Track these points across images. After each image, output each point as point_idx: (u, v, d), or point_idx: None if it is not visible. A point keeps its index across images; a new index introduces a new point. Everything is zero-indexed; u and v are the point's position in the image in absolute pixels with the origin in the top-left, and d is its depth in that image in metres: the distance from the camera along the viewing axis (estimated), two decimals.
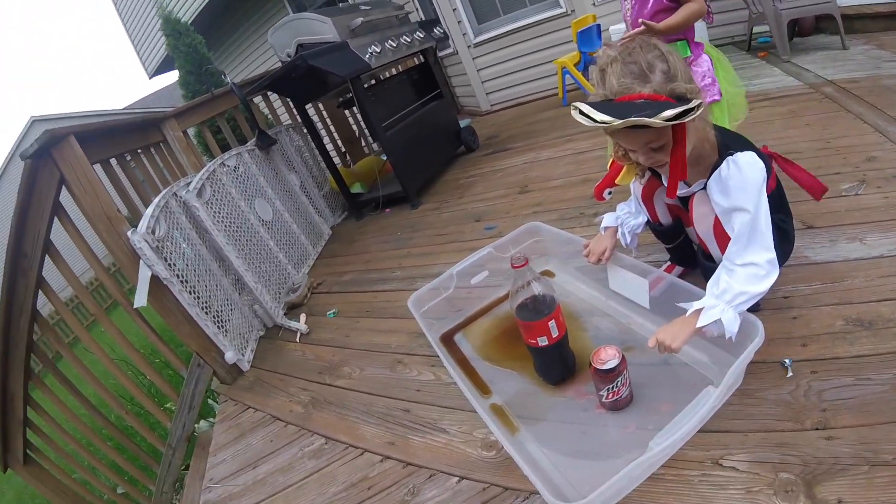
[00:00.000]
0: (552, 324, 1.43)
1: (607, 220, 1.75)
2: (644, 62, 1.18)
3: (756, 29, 4.96)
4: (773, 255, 1.26)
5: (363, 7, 4.02)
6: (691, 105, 1.08)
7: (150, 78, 11.55)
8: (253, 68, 9.59)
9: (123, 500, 2.84)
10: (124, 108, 22.55)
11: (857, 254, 1.67)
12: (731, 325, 1.23)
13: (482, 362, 1.79)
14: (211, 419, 2.91)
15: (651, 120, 1.08)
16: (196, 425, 2.73)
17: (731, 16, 5.41)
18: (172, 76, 6.06)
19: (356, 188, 4.38)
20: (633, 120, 1.10)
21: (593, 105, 1.18)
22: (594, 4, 5.38)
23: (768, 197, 1.48)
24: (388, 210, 4.11)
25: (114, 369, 2.66)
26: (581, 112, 1.18)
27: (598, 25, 4.92)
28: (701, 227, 1.44)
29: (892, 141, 2.34)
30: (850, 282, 1.56)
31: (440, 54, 6.66)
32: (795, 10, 4.38)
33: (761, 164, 1.26)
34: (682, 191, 1.46)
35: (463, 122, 4.94)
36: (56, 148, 2.24)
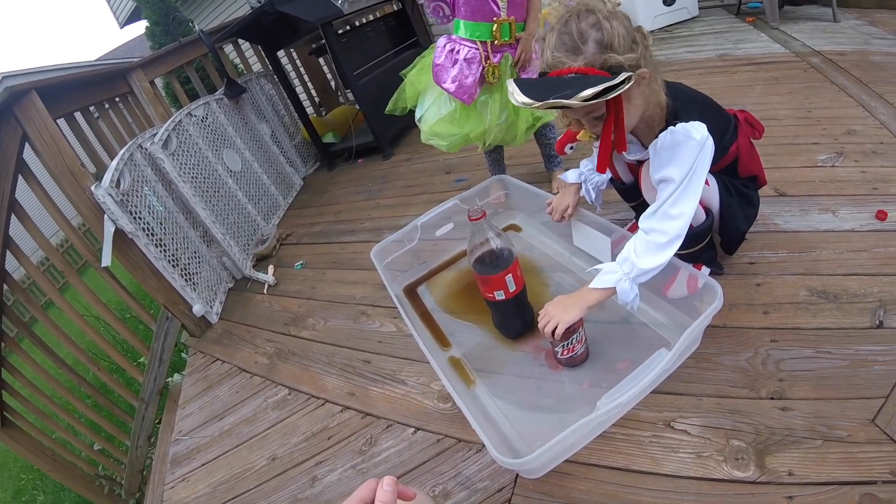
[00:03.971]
0: (509, 278, 1.42)
1: (570, 176, 1.73)
2: (576, 32, 1.12)
3: None
4: (681, 228, 1.22)
5: None
6: (614, 81, 1.03)
7: (121, 27, 11.16)
8: (225, 15, 9.28)
9: (101, 457, 2.84)
10: (96, 60, 21.90)
11: (828, 225, 1.66)
12: (625, 295, 1.23)
13: (444, 315, 1.79)
14: (183, 372, 2.92)
15: (569, 101, 1.04)
16: (169, 378, 2.73)
17: None
18: (144, 26, 5.86)
19: (328, 138, 4.30)
20: (551, 102, 1.06)
21: (519, 83, 1.14)
22: None
23: (735, 161, 1.47)
24: (360, 160, 4.06)
25: (87, 328, 2.62)
26: (510, 91, 1.14)
27: None
28: (649, 195, 1.42)
29: (875, 116, 2.33)
30: (819, 253, 1.56)
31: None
32: None
33: (701, 136, 1.21)
34: (640, 154, 1.43)
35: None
36: (18, 105, 2.17)
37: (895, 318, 1.28)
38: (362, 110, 3.76)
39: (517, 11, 1.99)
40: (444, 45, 2.04)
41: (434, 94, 2.10)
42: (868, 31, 3.79)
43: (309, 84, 5.11)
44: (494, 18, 1.95)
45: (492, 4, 1.93)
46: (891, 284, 1.38)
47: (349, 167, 4.07)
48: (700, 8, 5.21)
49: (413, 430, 1.48)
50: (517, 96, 1.11)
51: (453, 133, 2.06)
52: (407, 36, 4.51)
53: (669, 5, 4.96)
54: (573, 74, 1.11)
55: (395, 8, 4.64)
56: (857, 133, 2.19)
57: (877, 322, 1.28)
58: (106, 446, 2.82)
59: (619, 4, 1.20)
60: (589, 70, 1.10)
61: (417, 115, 2.18)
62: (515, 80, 1.16)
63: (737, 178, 1.51)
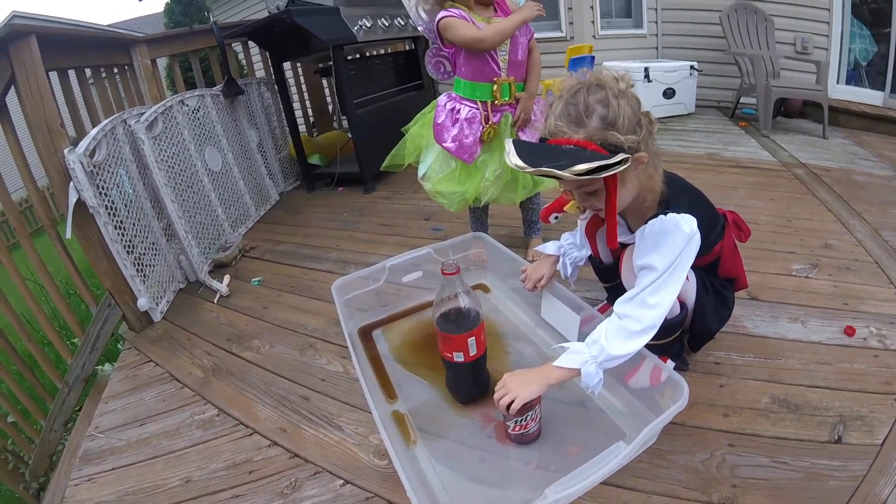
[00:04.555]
0: (472, 340, 1.36)
1: (549, 248, 1.71)
2: (583, 105, 1.12)
3: (743, 99, 5.07)
4: (657, 318, 1.19)
5: None
6: (610, 161, 1.03)
7: (140, 0, 11.13)
8: (244, 12, 9.33)
9: (12, 430, 2.67)
10: (108, 25, 21.88)
11: (796, 335, 1.68)
12: (589, 379, 1.19)
13: (396, 364, 1.71)
14: (114, 363, 2.77)
15: (561, 173, 1.03)
16: (100, 367, 2.58)
17: (721, 80, 5.55)
18: (160, 4, 5.85)
19: (314, 159, 4.25)
20: (544, 170, 1.05)
21: (517, 145, 1.13)
22: (593, 37, 5.40)
23: (717, 260, 1.46)
24: (341, 189, 4.01)
25: (27, 295, 2.48)
26: (506, 150, 1.13)
27: (593, 57, 4.91)
28: (627, 280, 1.40)
29: (852, 233, 2.39)
30: (784, 361, 1.56)
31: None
32: (786, 91, 4.51)
33: (690, 229, 1.20)
34: (625, 237, 1.40)
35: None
36: (14, 44, 2.10)
37: (854, 435, 1.28)
38: (354, 139, 3.73)
39: (517, 72, 2.01)
40: (445, 104, 2.05)
41: (436, 151, 2.10)
42: (854, 150, 3.95)
43: (307, 101, 5.08)
44: (495, 79, 1.97)
45: (492, 65, 1.95)
46: (852, 400, 1.38)
47: (329, 193, 4.02)
48: (697, 106, 5.39)
49: (342, 482, 1.38)
50: (512, 157, 1.10)
51: (454, 191, 2.06)
52: (412, 78, 4.55)
53: (668, 98, 5.09)
54: (572, 146, 1.10)
55: (408, 48, 4.69)
56: (834, 248, 2.26)
57: (835, 437, 1.28)
58: (20, 421, 2.65)
59: (632, 85, 1.19)
60: (588, 144, 1.09)
61: (420, 173, 2.18)
62: (514, 141, 1.14)
63: (716, 278, 1.50)
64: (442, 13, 1.91)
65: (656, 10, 5.77)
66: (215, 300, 2.57)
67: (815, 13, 5.13)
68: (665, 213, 1.22)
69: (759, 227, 2.47)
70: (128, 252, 2.40)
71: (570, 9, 5.30)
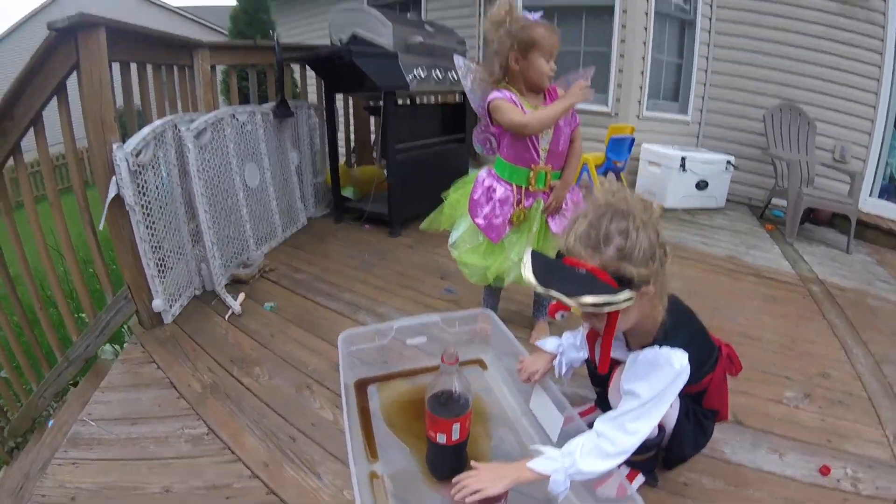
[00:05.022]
0: (456, 426, 1.43)
1: (549, 344, 1.76)
2: (604, 232, 1.19)
3: (774, 200, 5.12)
4: (632, 445, 1.25)
5: (428, 28, 4.08)
6: (615, 298, 1.11)
7: None
8: (305, 29, 9.60)
9: (2, 385, 2.75)
10: (176, 7, 22.65)
11: (772, 467, 1.69)
12: (556, 486, 1.24)
13: (383, 423, 1.77)
14: (117, 346, 2.86)
15: (568, 300, 1.11)
16: (101, 348, 2.69)
17: (756, 178, 5.63)
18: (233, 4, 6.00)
19: (348, 191, 4.36)
20: (552, 293, 1.13)
21: (534, 259, 1.22)
22: (637, 116, 5.51)
23: (703, 391, 1.52)
24: (367, 226, 4.09)
25: (44, 254, 2.58)
26: (524, 261, 1.23)
27: (633, 139, 5.03)
28: (613, 396, 1.46)
29: (853, 363, 2.41)
30: (754, 492, 1.58)
31: None
32: (817, 201, 4.53)
33: (680, 366, 1.26)
34: (620, 353, 1.47)
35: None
36: (83, 32, 2.19)
37: None
38: (389, 182, 3.83)
39: (555, 161, 2.10)
40: (483, 181, 2.15)
41: (468, 223, 2.19)
42: (875, 270, 3.97)
43: (352, 132, 5.23)
44: (532, 166, 2.06)
45: (532, 152, 2.05)
46: None
47: (355, 227, 4.11)
48: (728, 200, 5.45)
49: None
50: (526, 271, 1.19)
51: (478, 265, 2.14)
52: (456, 129, 4.65)
53: (701, 189, 5.16)
54: (584, 271, 1.17)
55: (456, 100, 4.84)
56: (831, 377, 2.27)
57: None
58: (11, 377, 2.72)
59: (659, 215, 1.26)
60: (600, 273, 1.16)
61: (451, 240, 2.27)
62: (532, 254, 1.23)
63: (699, 407, 1.54)
64: (494, 94, 2.02)
65: (703, 97, 5.91)
66: (227, 316, 2.65)
67: (858, 122, 5.25)
68: (661, 345, 1.29)
69: (762, 344, 2.52)
70: (154, 252, 2.49)
71: (620, 86, 5.43)
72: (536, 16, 1.99)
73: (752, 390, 2.10)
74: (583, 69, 2.11)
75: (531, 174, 2.07)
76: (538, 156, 2.06)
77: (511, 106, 1.97)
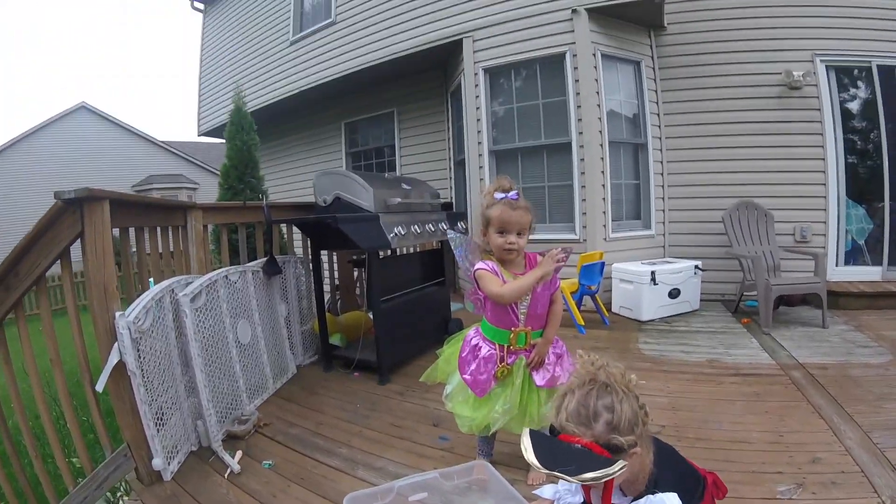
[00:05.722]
0: None
1: (546, 491, 1.86)
2: (592, 409, 1.36)
3: (746, 293, 5.35)
4: None
5: (405, 186, 4.41)
6: (610, 470, 1.25)
7: (199, 136, 12.16)
8: (289, 175, 10.34)
9: None
10: (162, 141, 24.22)
11: None
12: None
13: None
14: (109, 494, 2.80)
15: (570, 479, 1.25)
16: None
17: (725, 275, 5.92)
18: (223, 163, 6.32)
19: (335, 339, 4.47)
20: (556, 474, 1.27)
21: (534, 440, 1.37)
22: (605, 239, 5.82)
23: None
24: (356, 374, 4.13)
25: (42, 404, 2.63)
26: (523, 445, 1.37)
27: (603, 263, 5.30)
28: None
29: (842, 441, 2.51)
30: None
31: None
32: (785, 287, 4.80)
33: None
34: (617, 499, 1.58)
35: (455, 307, 5.16)
36: (89, 205, 2.39)
37: None
38: (376, 331, 3.95)
39: (534, 322, 2.30)
40: (471, 340, 2.36)
41: (458, 377, 2.38)
42: (853, 338, 4.15)
43: (336, 279, 5.46)
44: (513, 328, 2.26)
45: (512, 316, 2.26)
46: None
47: (344, 376, 4.15)
48: (702, 300, 5.67)
49: None
50: (529, 455, 1.33)
51: (467, 416, 2.31)
52: (436, 275, 4.88)
53: (674, 298, 5.36)
54: (580, 447, 1.32)
55: (434, 246, 5.12)
56: (822, 461, 2.35)
57: None
58: None
59: (635, 383, 1.44)
60: (593, 447, 1.31)
61: (445, 392, 2.46)
62: (531, 435, 1.38)
63: None
64: (479, 265, 2.27)
65: (664, 210, 6.30)
66: (226, 475, 2.65)
67: (813, 202, 5.72)
68: (654, 493, 1.43)
69: (750, 445, 2.59)
70: (153, 413, 2.56)
71: (584, 213, 5.77)
72: (512, 195, 2.25)
73: (746, 493, 2.16)
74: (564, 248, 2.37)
75: (511, 335, 2.27)
76: (518, 319, 2.27)
77: (492, 276, 2.22)
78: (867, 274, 5.72)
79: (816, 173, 5.80)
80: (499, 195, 2.24)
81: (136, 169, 22.86)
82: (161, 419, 2.66)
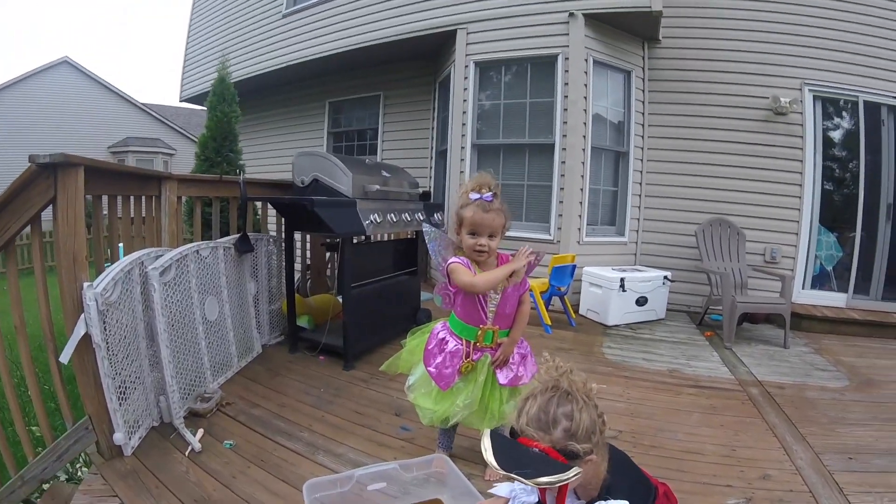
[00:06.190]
0: None
1: (502, 489, 1.89)
2: (552, 416, 1.40)
3: (712, 306, 5.46)
4: None
5: (384, 173, 4.40)
6: (565, 475, 1.29)
7: (180, 101, 11.95)
8: (267, 149, 10.22)
9: None
10: (142, 103, 23.81)
11: None
12: None
13: None
14: (68, 466, 2.78)
15: (527, 481, 1.29)
16: (57, 475, 2.65)
17: (693, 287, 6.07)
18: (201, 133, 6.21)
19: (303, 321, 4.46)
20: (513, 476, 1.31)
21: (494, 441, 1.41)
22: (578, 242, 5.89)
23: None
24: (322, 358, 4.12)
25: (3, 369, 2.58)
26: (483, 447, 1.41)
27: (574, 266, 5.36)
28: None
29: (793, 460, 2.59)
30: None
31: None
32: (751, 305, 4.93)
33: None
34: (570, 501, 1.62)
35: (424, 296, 5.18)
36: (63, 170, 2.33)
37: None
38: (344, 317, 3.95)
39: (502, 322, 2.34)
40: (438, 333, 2.38)
41: (422, 369, 2.39)
42: (812, 360, 4.27)
43: (308, 260, 5.44)
44: (481, 325, 2.29)
45: (481, 313, 2.30)
46: None
47: (309, 359, 4.13)
48: (668, 310, 5.80)
49: None
50: (488, 455, 1.36)
51: (429, 408, 2.33)
52: (409, 264, 4.90)
53: (641, 305, 5.46)
54: (538, 451, 1.37)
55: (409, 235, 5.13)
56: (772, 478, 2.42)
57: None
58: None
59: (596, 392, 1.49)
60: (551, 452, 1.36)
61: (408, 383, 2.48)
62: (491, 435, 1.42)
63: None
64: (452, 259, 2.30)
65: (638, 219, 6.41)
66: (186, 452, 2.64)
67: (785, 225, 5.89)
68: (606, 499, 1.47)
69: (703, 457, 2.66)
70: (116, 387, 2.54)
71: (560, 215, 5.83)
72: (486, 196, 2.27)
73: (695, 503, 2.23)
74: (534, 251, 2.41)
75: (479, 332, 2.31)
76: (486, 316, 2.31)
77: (464, 269, 2.25)
78: (832, 299, 5.90)
79: (792, 198, 5.95)
80: (474, 195, 2.27)
81: (115, 130, 22.32)
82: (124, 393, 2.63)
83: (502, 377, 2.33)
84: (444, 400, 2.32)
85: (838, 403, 3.44)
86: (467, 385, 2.31)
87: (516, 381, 2.34)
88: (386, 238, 5.46)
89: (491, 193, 2.27)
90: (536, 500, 1.85)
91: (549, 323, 5.14)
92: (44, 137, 18.89)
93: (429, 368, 2.33)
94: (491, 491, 1.93)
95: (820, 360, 4.39)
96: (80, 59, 22.52)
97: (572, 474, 1.30)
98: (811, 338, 5.09)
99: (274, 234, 4.71)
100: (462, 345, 2.31)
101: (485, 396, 2.30)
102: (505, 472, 1.32)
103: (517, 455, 1.38)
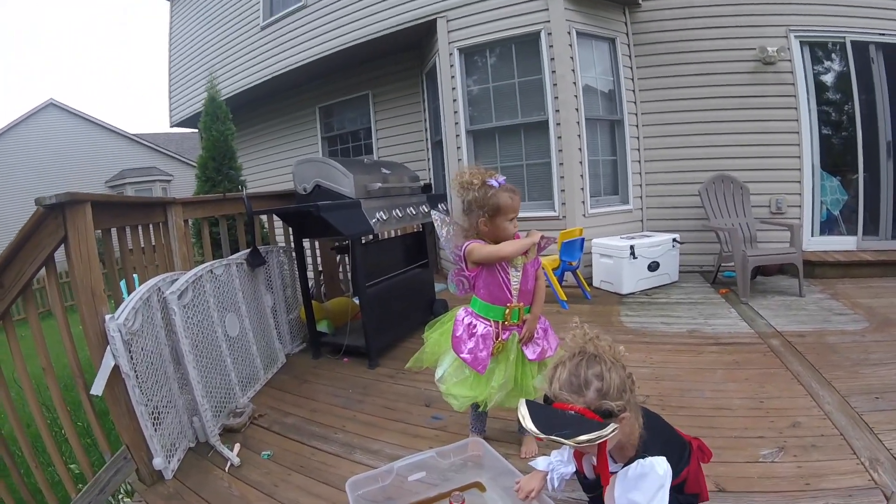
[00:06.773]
0: None
1: (540, 463, 1.96)
2: (583, 378, 1.47)
3: (724, 264, 5.47)
4: None
5: (384, 171, 4.41)
6: (603, 432, 1.35)
7: (171, 127, 11.99)
8: (265, 162, 10.27)
9: None
10: (133, 134, 23.87)
11: None
12: None
13: None
14: (112, 502, 2.83)
15: (567, 441, 1.34)
16: None
17: (703, 247, 6.05)
18: (198, 154, 6.20)
19: (322, 325, 4.50)
20: (553, 438, 1.36)
21: (531, 409, 1.46)
22: (584, 215, 5.90)
23: (683, 482, 1.71)
24: (346, 359, 4.16)
25: (38, 414, 2.60)
26: (521, 414, 1.46)
27: (583, 239, 5.38)
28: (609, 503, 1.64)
29: (821, 406, 2.61)
30: None
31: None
32: (762, 258, 4.90)
33: (664, 471, 1.49)
34: (610, 466, 1.66)
35: (438, 287, 5.21)
36: (71, 208, 2.37)
37: None
38: (363, 316, 4.00)
39: (525, 298, 2.36)
40: (463, 319, 2.39)
41: (452, 358, 2.41)
42: (829, 305, 4.27)
43: (320, 267, 5.46)
44: (508, 304, 2.31)
45: (507, 292, 2.31)
46: None
47: (334, 362, 4.18)
48: (681, 272, 5.79)
49: None
50: (527, 422, 1.42)
51: (466, 395, 2.34)
52: (420, 257, 4.95)
53: (653, 271, 5.47)
54: (574, 413, 1.42)
55: (417, 229, 5.14)
56: (801, 425, 2.44)
57: None
58: None
59: (624, 354, 1.57)
60: (586, 412, 1.41)
61: (437, 375, 2.48)
62: (527, 403, 1.47)
63: (682, 495, 1.71)
64: (469, 242, 2.33)
65: (641, 185, 6.39)
66: (226, 468, 2.68)
67: (787, 175, 5.86)
68: (643, 457, 1.52)
69: (732, 412, 2.69)
70: (148, 412, 2.57)
71: (563, 191, 5.83)
72: (501, 180, 2.30)
73: (729, 457, 2.26)
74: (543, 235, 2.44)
75: (507, 311, 2.33)
76: (511, 295, 2.33)
77: (484, 245, 2.29)
78: (842, 244, 5.88)
79: (791, 146, 5.93)
80: (493, 181, 2.28)
81: (108, 164, 22.46)
82: (158, 418, 2.67)
83: (530, 353, 2.37)
84: (479, 384, 2.34)
85: (859, 346, 3.45)
86: (499, 365, 2.33)
87: (543, 355, 2.37)
88: (394, 234, 5.50)
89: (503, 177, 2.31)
90: (574, 469, 1.91)
91: (565, 298, 5.16)
92: (39, 181, 18.92)
93: (462, 355, 2.34)
94: (529, 464, 1.98)
95: (837, 304, 4.39)
96: (64, 99, 22.53)
97: (609, 430, 1.35)
98: (826, 284, 5.09)
99: (283, 244, 4.75)
100: (491, 326, 2.34)
101: (517, 374, 2.34)
102: (546, 436, 1.36)
103: (555, 419, 1.44)
